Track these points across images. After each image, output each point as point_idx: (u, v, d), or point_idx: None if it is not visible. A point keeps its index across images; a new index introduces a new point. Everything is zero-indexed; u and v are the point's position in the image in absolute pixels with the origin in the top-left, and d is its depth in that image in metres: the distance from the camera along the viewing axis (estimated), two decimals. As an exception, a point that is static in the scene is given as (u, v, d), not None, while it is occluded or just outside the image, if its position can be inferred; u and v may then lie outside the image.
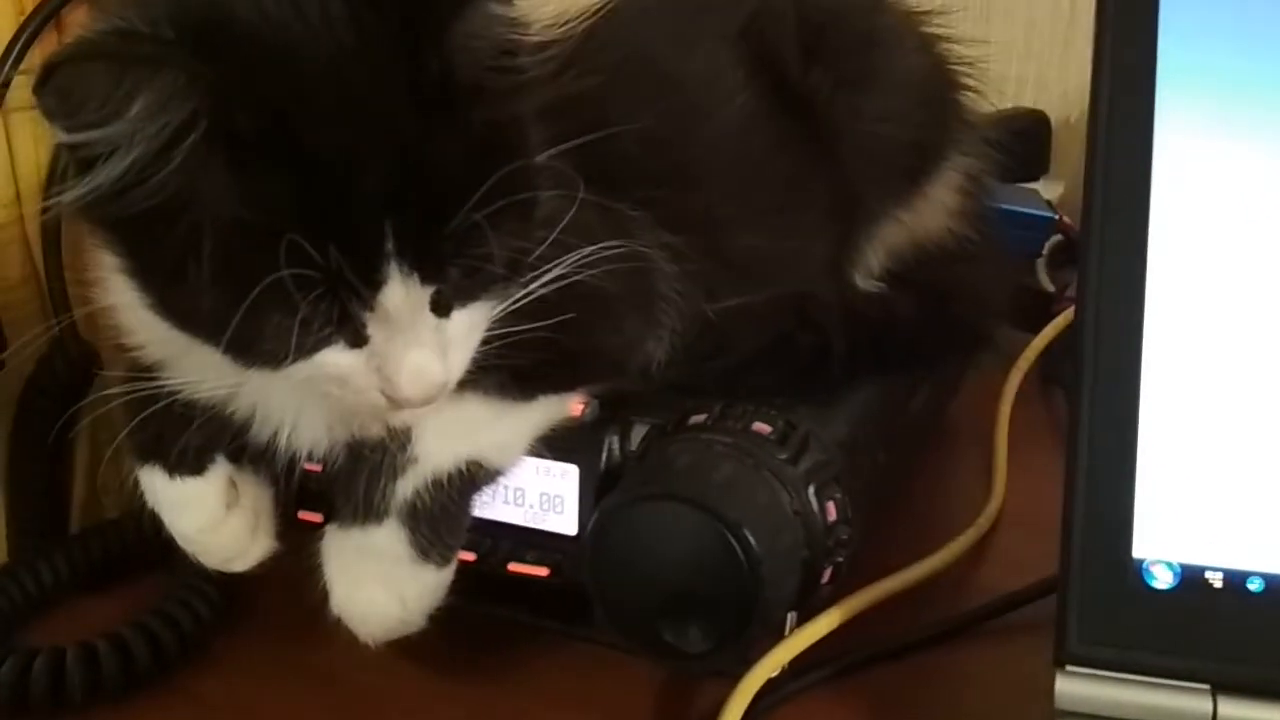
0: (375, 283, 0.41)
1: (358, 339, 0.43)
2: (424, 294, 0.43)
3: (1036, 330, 0.80)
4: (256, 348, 0.42)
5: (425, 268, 0.42)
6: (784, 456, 0.51)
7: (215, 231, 0.40)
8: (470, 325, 0.45)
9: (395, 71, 0.41)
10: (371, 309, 0.42)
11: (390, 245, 0.41)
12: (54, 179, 0.60)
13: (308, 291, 0.40)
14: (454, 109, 0.42)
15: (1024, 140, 0.93)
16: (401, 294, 0.42)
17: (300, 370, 0.43)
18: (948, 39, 0.66)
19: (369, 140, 0.41)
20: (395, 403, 0.44)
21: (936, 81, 0.65)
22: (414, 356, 0.43)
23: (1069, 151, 1.00)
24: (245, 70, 0.40)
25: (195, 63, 0.39)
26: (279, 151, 0.40)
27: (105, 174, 0.40)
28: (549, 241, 0.46)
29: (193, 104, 0.39)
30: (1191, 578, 0.45)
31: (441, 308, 0.44)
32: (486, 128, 0.43)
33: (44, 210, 0.60)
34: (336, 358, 0.43)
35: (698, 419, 0.53)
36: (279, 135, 0.40)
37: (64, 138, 0.40)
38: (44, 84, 0.38)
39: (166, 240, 0.41)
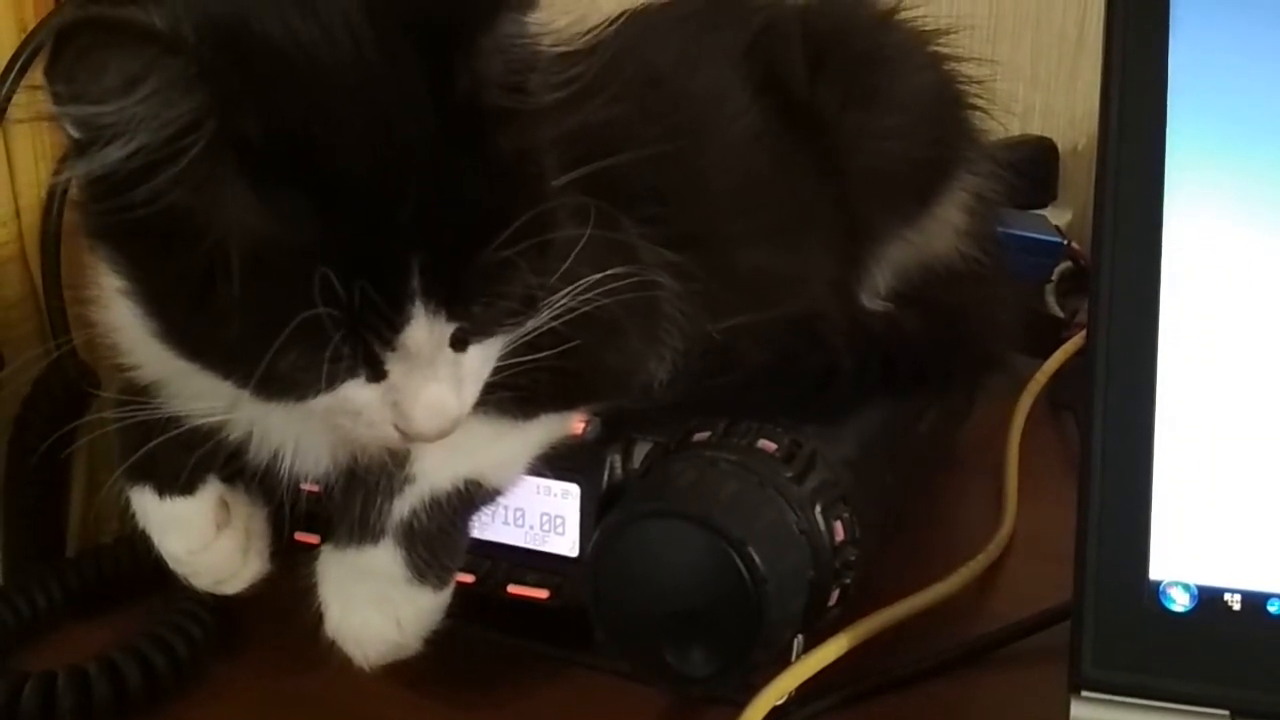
0: (399, 323, 0.40)
1: (376, 374, 0.42)
2: (447, 331, 0.42)
3: (1046, 356, 0.79)
4: (276, 384, 0.41)
5: (452, 306, 0.41)
6: (790, 475, 0.50)
7: (242, 252, 0.39)
8: (485, 359, 0.44)
9: (424, 93, 0.40)
10: (394, 349, 0.41)
11: (416, 282, 0.40)
12: (54, 194, 0.60)
13: (333, 331, 0.39)
14: (483, 134, 0.41)
15: (1032, 167, 0.93)
16: (425, 333, 0.41)
17: (319, 404, 0.42)
18: (955, 58, 0.66)
19: (397, 166, 0.39)
20: (408, 437, 0.43)
21: (944, 99, 0.65)
22: (431, 392, 0.42)
23: (1077, 178, 1.00)
24: (261, 76, 0.39)
25: (208, 59, 0.38)
26: (302, 173, 0.39)
27: (104, 159, 0.38)
28: (561, 272, 0.45)
29: (199, 100, 0.38)
30: (1209, 600, 0.44)
31: (459, 343, 0.43)
32: (513, 155, 0.42)
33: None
34: (356, 392, 0.42)
35: (701, 436, 0.52)
36: (301, 155, 0.39)
37: (60, 109, 0.38)
38: (55, 56, 0.37)
39: (187, 261, 0.39)
